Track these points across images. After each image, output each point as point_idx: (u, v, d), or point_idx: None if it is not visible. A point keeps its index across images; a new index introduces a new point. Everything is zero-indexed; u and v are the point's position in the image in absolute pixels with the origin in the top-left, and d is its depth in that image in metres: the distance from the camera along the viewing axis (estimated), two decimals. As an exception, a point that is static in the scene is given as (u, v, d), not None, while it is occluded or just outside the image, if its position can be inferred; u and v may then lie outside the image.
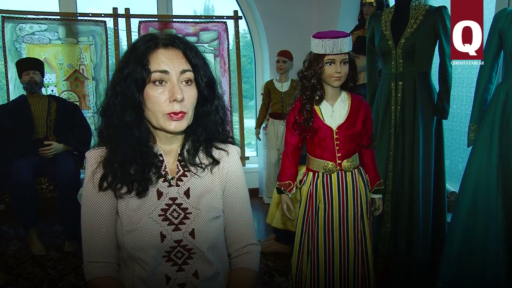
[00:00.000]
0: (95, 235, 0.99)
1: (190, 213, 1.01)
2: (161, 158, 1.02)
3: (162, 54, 0.94)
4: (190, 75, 0.96)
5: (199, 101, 0.99)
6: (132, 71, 0.92)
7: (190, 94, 0.96)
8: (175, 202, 1.01)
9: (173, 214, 1.00)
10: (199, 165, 1.04)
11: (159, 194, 1.00)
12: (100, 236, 0.99)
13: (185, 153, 1.04)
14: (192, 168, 1.03)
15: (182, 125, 0.95)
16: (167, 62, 0.93)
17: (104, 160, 0.98)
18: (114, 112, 0.94)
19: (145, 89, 0.93)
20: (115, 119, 0.94)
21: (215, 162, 1.06)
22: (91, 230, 0.99)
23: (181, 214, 1.00)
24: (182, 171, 1.04)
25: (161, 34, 0.98)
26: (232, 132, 1.16)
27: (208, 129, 1.03)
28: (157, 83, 0.93)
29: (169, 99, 0.93)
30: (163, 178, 1.01)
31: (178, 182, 1.03)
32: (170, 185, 1.02)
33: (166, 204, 1.00)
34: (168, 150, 1.04)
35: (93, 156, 1.00)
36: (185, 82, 0.95)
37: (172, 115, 0.93)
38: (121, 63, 0.96)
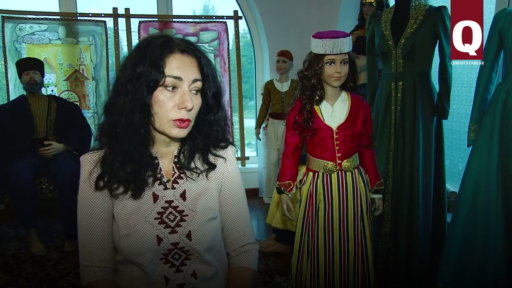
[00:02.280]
0: (91, 239, 0.99)
1: (187, 215, 1.00)
2: (156, 161, 1.02)
3: (178, 59, 0.93)
4: (199, 84, 0.96)
5: (203, 109, 1.00)
6: (146, 72, 0.91)
7: (196, 103, 0.96)
8: (171, 204, 1.00)
9: (169, 217, 0.99)
10: (194, 169, 1.04)
11: (155, 197, 1.00)
12: (96, 241, 0.99)
13: (181, 157, 1.04)
14: (187, 172, 1.03)
15: (184, 132, 0.95)
16: (182, 69, 0.93)
17: (102, 158, 0.98)
18: (122, 110, 0.93)
19: (155, 91, 0.92)
20: (122, 118, 0.93)
21: (211, 168, 1.05)
22: (86, 234, 0.99)
23: (177, 216, 1.00)
24: (178, 173, 1.03)
25: (176, 38, 0.97)
26: (232, 140, 1.16)
27: (208, 137, 1.03)
28: (168, 88, 0.92)
29: (178, 105, 0.92)
30: (158, 181, 1.01)
31: (174, 184, 1.02)
32: (166, 188, 1.02)
33: (162, 207, 1.00)
34: (165, 152, 1.04)
35: (88, 160, 1.00)
36: (194, 91, 0.95)
37: (178, 122, 0.93)
38: (131, 60, 0.94)
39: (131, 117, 0.92)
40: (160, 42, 0.94)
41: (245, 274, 1.08)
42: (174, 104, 0.92)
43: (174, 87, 0.93)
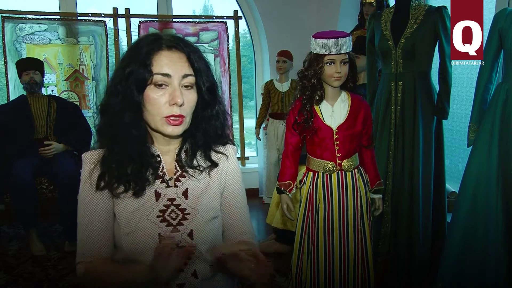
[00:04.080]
0: (90, 238, 0.98)
1: (189, 214, 1.00)
2: (159, 159, 1.02)
3: (166, 56, 0.93)
4: (191, 79, 0.95)
5: (200, 105, 0.99)
6: (134, 71, 0.91)
7: (190, 98, 0.95)
8: (173, 203, 1.00)
9: (171, 215, 0.99)
10: (197, 167, 1.04)
11: (157, 195, 1.00)
12: (95, 239, 0.98)
13: (183, 155, 1.04)
14: (190, 170, 1.03)
15: (179, 129, 0.95)
16: (170, 65, 0.93)
17: (101, 159, 0.98)
18: (113, 111, 0.94)
19: (146, 90, 0.92)
20: (115, 118, 0.94)
21: (214, 165, 1.05)
22: (86, 232, 0.99)
23: (179, 215, 1.00)
24: (180, 171, 1.03)
25: (165, 34, 0.97)
26: (232, 135, 1.16)
27: (208, 133, 1.03)
28: (158, 85, 0.92)
29: (169, 102, 0.92)
30: (160, 179, 1.01)
31: (176, 182, 1.02)
32: (168, 186, 1.01)
33: (164, 205, 1.00)
34: (166, 150, 1.04)
35: (90, 157, 1.00)
36: (186, 86, 0.95)
37: (171, 119, 0.92)
38: (123, 61, 0.95)
39: (122, 117, 0.93)
40: (148, 41, 0.94)
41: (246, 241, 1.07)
42: (166, 101, 0.92)
43: (164, 84, 0.92)
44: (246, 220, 1.12)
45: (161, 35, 0.96)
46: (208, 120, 1.02)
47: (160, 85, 0.92)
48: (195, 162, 1.04)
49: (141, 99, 0.93)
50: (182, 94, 0.92)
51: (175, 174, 1.03)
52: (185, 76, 0.94)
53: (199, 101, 0.98)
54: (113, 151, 0.96)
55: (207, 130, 1.03)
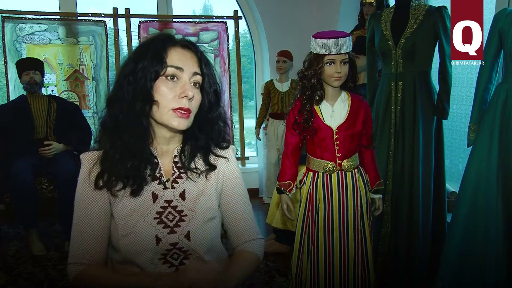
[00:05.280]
0: (85, 237, 0.98)
1: (186, 215, 1.00)
2: (156, 160, 1.02)
3: (180, 52, 0.97)
4: (199, 78, 0.98)
5: (204, 108, 1.01)
6: (148, 64, 0.94)
7: (196, 97, 0.98)
8: (171, 204, 1.01)
9: (168, 216, 0.99)
10: (194, 169, 1.04)
11: (154, 197, 1.00)
12: (90, 239, 0.98)
13: (182, 156, 1.04)
14: (187, 172, 1.04)
15: (185, 123, 0.96)
16: (183, 60, 0.96)
17: (102, 153, 0.98)
18: (124, 100, 0.95)
19: (157, 81, 0.94)
20: (124, 107, 0.95)
21: (212, 168, 1.06)
22: (81, 232, 0.99)
23: (176, 216, 1.00)
24: (178, 173, 1.03)
25: (177, 36, 1.01)
26: (232, 139, 1.18)
27: (210, 136, 1.04)
28: (169, 78, 0.94)
29: (179, 95, 0.94)
30: (158, 181, 1.01)
31: (173, 184, 1.02)
32: (165, 188, 1.02)
33: (161, 207, 1.00)
34: (165, 150, 1.04)
35: (88, 158, 1.00)
36: (194, 84, 0.97)
37: (179, 111, 0.94)
38: (135, 55, 0.97)
39: (132, 106, 0.94)
40: (162, 38, 0.98)
41: (247, 256, 1.08)
42: (175, 94, 0.94)
43: (175, 77, 0.95)
44: (249, 218, 1.12)
45: (173, 35, 1.01)
46: (211, 123, 1.04)
47: (172, 78, 0.95)
48: (193, 164, 1.04)
49: (152, 90, 0.95)
50: (192, 89, 0.95)
51: (172, 176, 1.03)
52: (195, 73, 0.97)
53: (204, 103, 1.00)
54: (115, 145, 0.96)
55: (209, 133, 1.04)
